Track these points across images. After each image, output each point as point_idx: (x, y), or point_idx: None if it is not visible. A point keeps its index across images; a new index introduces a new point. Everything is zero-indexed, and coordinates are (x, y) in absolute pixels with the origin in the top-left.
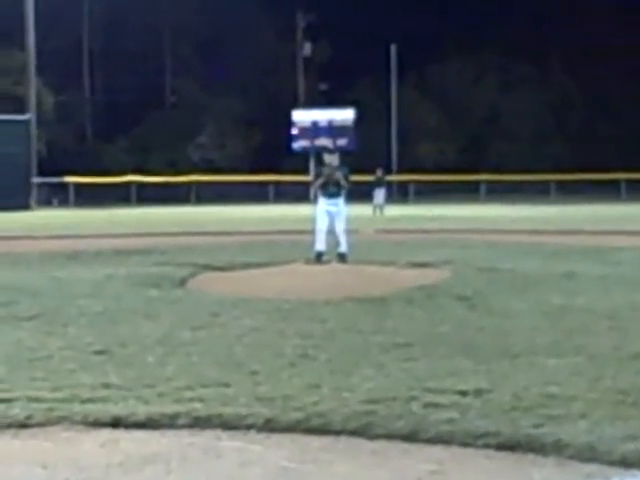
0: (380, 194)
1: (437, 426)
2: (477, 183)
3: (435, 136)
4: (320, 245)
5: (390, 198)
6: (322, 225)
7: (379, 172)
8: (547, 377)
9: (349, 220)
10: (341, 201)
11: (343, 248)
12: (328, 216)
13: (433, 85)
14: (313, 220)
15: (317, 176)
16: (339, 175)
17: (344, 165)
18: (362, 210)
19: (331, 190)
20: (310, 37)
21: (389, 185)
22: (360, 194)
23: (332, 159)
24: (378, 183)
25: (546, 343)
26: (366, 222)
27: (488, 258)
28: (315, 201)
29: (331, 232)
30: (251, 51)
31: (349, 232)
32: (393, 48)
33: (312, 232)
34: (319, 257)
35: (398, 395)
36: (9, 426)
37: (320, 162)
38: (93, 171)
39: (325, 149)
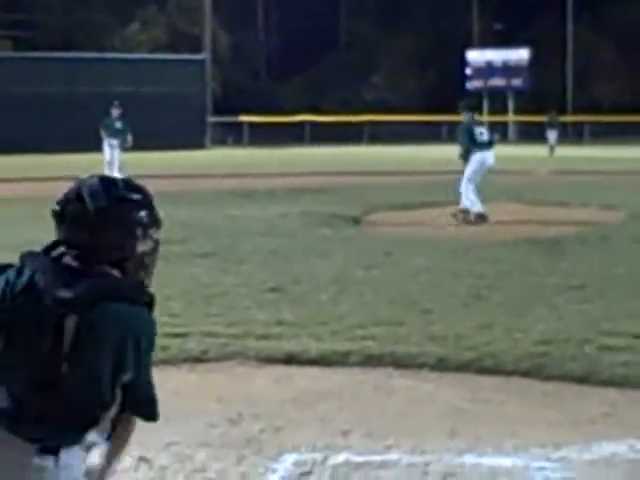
0: (552, 135)
1: (611, 369)
2: None
3: (611, 76)
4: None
5: (565, 139)
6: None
7: (552, 113)
8: None
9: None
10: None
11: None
12: None
13: (609, 24)
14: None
15: None
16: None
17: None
18: (536, 151)
19: None
20: None
21: (563, 126)
22: (533, 135)
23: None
24: (550, 124)
25: None
26: (540, 163)
27: None
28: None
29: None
30: None
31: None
32: None
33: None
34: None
35: (572, 337)
36: (185, 360)
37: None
38: (267, 110)
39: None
